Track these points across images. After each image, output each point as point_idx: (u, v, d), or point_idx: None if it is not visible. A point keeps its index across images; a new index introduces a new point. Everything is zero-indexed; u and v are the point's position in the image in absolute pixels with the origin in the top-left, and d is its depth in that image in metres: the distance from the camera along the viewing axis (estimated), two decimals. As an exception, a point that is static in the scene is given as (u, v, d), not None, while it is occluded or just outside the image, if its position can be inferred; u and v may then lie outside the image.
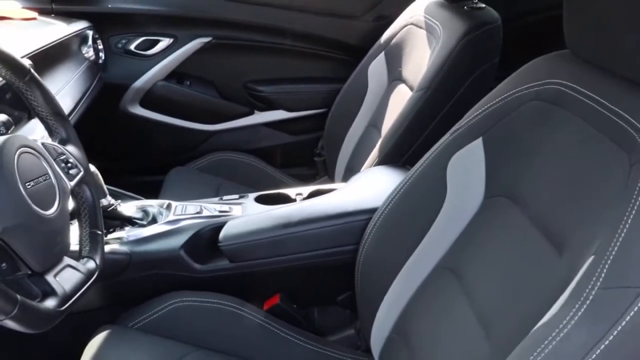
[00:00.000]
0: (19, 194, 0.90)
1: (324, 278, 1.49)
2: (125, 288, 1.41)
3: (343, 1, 2.30)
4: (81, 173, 1.14)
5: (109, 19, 2.19)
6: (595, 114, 0.88)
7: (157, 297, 1.36)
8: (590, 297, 0.72)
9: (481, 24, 1.61)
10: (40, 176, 0.99)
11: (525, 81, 1.06)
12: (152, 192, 1.91)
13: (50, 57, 1.76)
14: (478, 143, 1.13)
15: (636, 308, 0.68)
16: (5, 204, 0.88)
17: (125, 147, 2.35)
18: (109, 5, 2.19)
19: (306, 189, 1.62)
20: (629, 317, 0.69)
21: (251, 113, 2.40)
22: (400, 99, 1.76)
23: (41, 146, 1.06)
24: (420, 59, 1.73)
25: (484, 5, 1.70)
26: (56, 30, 1.90)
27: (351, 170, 1.94)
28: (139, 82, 2.25)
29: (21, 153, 0.95)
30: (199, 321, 1.33)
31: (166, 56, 2.25)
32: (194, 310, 1.34)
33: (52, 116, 1.15)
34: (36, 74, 1.12)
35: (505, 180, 1.07)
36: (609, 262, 0.73)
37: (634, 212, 0.73)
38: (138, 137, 2.34)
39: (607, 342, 0.69)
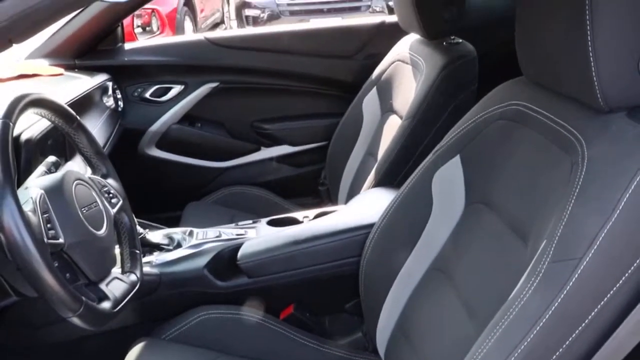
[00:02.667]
0: (78, 217, 1.11)
1: (332, 288, 1.66)
2: (157, 305, 1.60)
3: (336, 43, 2.52)
4: (121, 202, 1.34)
5: (126, 71, 2.42)
6: (546, 127, 1.07)
7: (185, 311, 1.54)
8: (542, 271, 0.91)
9: (458, 57, 1.82)
10: (92, 203, 1.19)
11: (492, 104, 1.26)
12: (171, 225, 2.09)
13: (77, 108, 1.96)
14: (456, 160, 1.32)
15: (577, 275, 0.87)
16: (70, 224, 1.08)
17: (144, 186, 2.53)
18: (125, 59, 2.41)
19: (312, 212, 1.82)
20: (571, 283, 0.87)
21: (258, 149, 2.60)
22: (392, 128, 1.95)
23: (89, 179, 1.27)
24: (408, 91, 1.94)
25: (460, 40, 1.91)
26: (81, 83, 2.12)
27: (352, 196, 2.10)
28: (154, 127, 2.46)
29: (77, 184, 1.16)
30: (224, 331, 1.51)
31: (178, 102, 2.47)
32: (219, 321, 1.53)
33: (95, 155, 1.36)
34: (81, 121, 1.33)
35: (481, 189, 1.25)
36: (555, 241, 0.91)
37: (573, 200, 0.92)
38: (156, 176, 2.54)
39: (557, 304, 0.88)
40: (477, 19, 2.24)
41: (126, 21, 2.54)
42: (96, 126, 2.08)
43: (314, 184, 2.56)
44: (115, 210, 1.31)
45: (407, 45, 2.07)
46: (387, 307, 1.41)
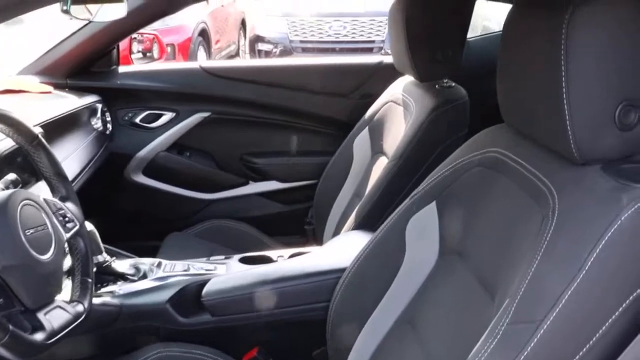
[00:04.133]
0: (19, 239, 1.05)
1: (300, 333, 1.58)
2: (116, 338, 1.52)
3: (332, 81, 2.48)
4: (77, 227, 1.28)
5: (117, 94, 2.38)
6: (520, 176, 1.02)
7: (143, 347, 1.46)
8: (501, 332, 0.84)
9: (449, 100, 1.77)
10: (39, 225, 1.13)
11: (471, 150, 1.20)
12: (148, 255, 2.03)
13: (61, 126, 1.93)
14: (432, 206, 1.25)
15: (535, 339, 0.80)
16: (6, 245, 1.02)
17: (126, 212, 2.49)
18: (118, 82, 2.38)
19: (287, 251, 1.74)
20: (530, 347, 0.80)
21: (246, 183, 2.55)
22: (381, 170, 1.90)
23: (42, 201, 1.21)
24: (398, 133, 1.88)
25: (453, 84, 1.86)
26: (68, 102, 2.09)
27: (337, 238, 2.05)
28: (142, 152, 2.42)
29: (24, 205, 1.10)
30: None
31: (168, 129, 2.43)
32: None
33: (55, 176, 1.30)
34: (43, 140, 1.28)
35: (456, 239, 1.19)
36: (516, 301, 0.84)
37: (539, 257, 0.85)
38: (139, 203, 2.49)
39: None
40: (475, 63, 2.19)
41: (124, 44, 2.53)
42: (80, 147, 2.04)
43: (300, 222, 2.49)
44: (69, 235, 1.25)
45: (401, 86, 2.03)
46: (352, 358, 1.33)
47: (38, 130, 1.29)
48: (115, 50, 2.38)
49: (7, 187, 1.27)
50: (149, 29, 6.59)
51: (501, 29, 1.10)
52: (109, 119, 2.34)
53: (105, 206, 2.41)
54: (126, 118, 2.42)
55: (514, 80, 1.03)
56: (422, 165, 1.73)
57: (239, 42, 9.02)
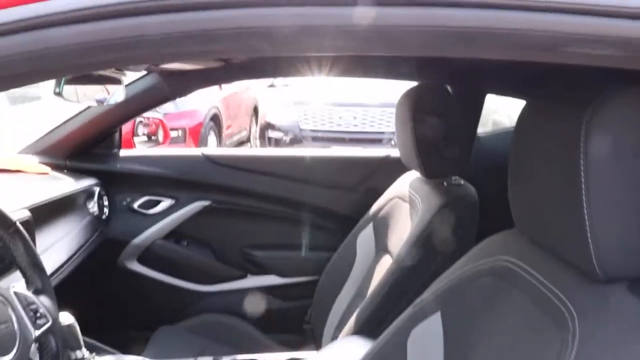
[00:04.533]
0: None
1: None
2: None
3: (338, 173, 2.41)
4: (49, 323, 1.17)
5: (117, 178, 2.33)
6: (535, 291, 0.91)
7: None
8: None
9: (457, 199, 1.69)
10: (3, 323, 1.02)
11: (480, 257, 1.10)
12: (137, 348, 1.92)
13: (55, 209, 1.87)
14: (437, 317, 1.15)
15: None
16: None
17: (117, 301, 2.38)
18: (118, 166, 2.33)
19: (283, 356, 1.62)
20: None
21: (245, 276, 2.44)
22: (384, 270, 1.80)
23: (12, 294, 1.11)
24: (403, 231, 1.79)
25: (462, 182, 1.78)
26: (64, 185, 2.03)
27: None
28: (138, 239, 2.33)
29: None
30: None
31: (166, 216, 2.35)
32: None
33: (30, 267, 1.20)
34: (21, 227, 1.20)
35: (462, 356, 1.07)
36: None
37: None
38: (132, 291, 2.38)
39: None
40: (485, 160, 2.12)
41: (128, 128, 2.49)
42: (72, 231, 1.97)
43: (299, 321, 2.35)
44: (39, 332, 1.14)
45: (408, 182, 1.95)
46: None
47: (16, 217, 1.21)
48: (117, 134, 2.34)
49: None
50: (158, 112, 6.71)
51: (513, 124, 1.03)
52: (106, 203, 2.27)
53: (96, 293, 2.30)
54: (124, 203, 2.35)
55: (527, 183, 0.95)
56: (427, 269, 1.63)
57: (250, 128, 9.12)
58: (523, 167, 0.96)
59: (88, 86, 1.40)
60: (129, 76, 1.99)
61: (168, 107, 6.79)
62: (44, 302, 1.20)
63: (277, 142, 6.83)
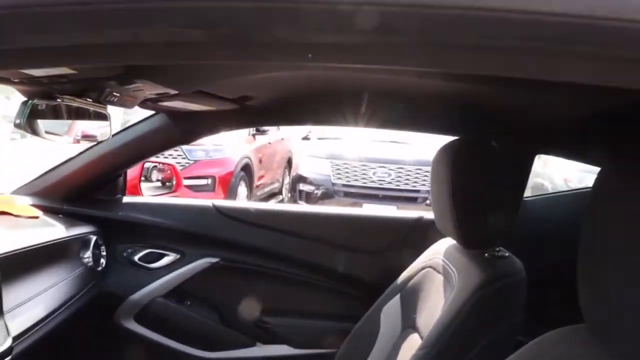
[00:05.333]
0: None
1: None
2: None
3: (364, 236, 2.16)
4: None
5: (118, 227, 2.12)
6: None
7: None
8: None
9: (500, 276, 1.41)
10: None
11: None
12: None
13: (39, 257, 1.68)
14: None
15: None
16: None
17: None
18: (120, 213, 2.11)
19: None
20: None
21: (253, 344, 2.17)
22: (411, 352, 1.52)
23: None
24: (434, 309, 1.52)
25: (507, 254, 1.50)
26: (53, 231, 1.83)
27: None
28: (136, 296, 2.10)
29: None
30: None
31: (170, 272, 2.12)
32: None
33: None
34: None
35: None
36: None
37: None
38: (126, 354, 2.14)
39: None
40: (533, 229, 1.85)
41: (135, 172, 2.28)
42: (61, 281, 1.77)
43: (310, 401, 2.08)
44: None
45: (442, 250, 1.68)
46: None
47: None
48: (121, 178, 2.14)
49: None
50: (189, 159, 6.59)
51: (555, 189, 0.77)
52: (103, 253, 2.05)
53: (86, 352, 2.05)
54: (124, 254, 2.12)
55: (605, 267, 0.71)
56: (461, 358, 1.34)
57: (283, 180, 8.95)
58: (601, 247, 0.72)
59: (59, 120, 1.19)
60: (131, 115, 1.78)
61: (199, 154, 6.69)
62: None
63: (308, 196, 6.63)
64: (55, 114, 1.19)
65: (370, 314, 1.88)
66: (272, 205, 3.00)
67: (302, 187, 6.75)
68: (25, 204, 1.94)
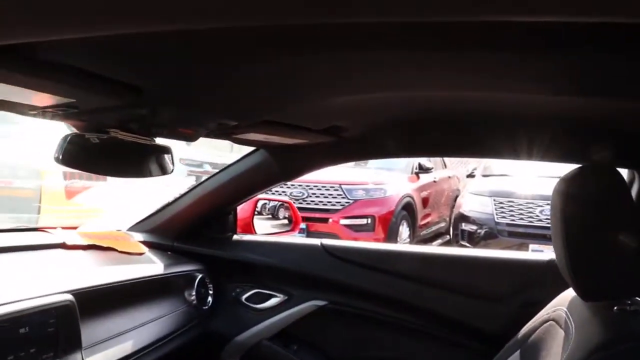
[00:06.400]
0: None
1: None
2: None
3: (486, 279, 1.89)
4: None
5: (226, 265, 2.05)
6: None
7: None
8: None
9: (627, 337, 1.12)
10: None
11: None
12: None
13: (135, 293, 1.69)
14: None
15: None
16: None
17: None
18: (229, 252, 2.06)
19: None
20: None
21: None
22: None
23: None
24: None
25: None
26: (155, 267, 1.84)
27: None
28: (243, 337, 2.01)
29: None
30: None
31: (277, 313, 2.00)
32: None
33: None
34: None
35: None
36: None
37: None
38: None
39: None
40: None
41: (248, 210, 2.23)
42: (158, 317, 1.74)
43: None
44: None
45: (568, 299, 1.40)
46: None
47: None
48: (231, 215, 2.08)
49: None
50: (348, 199, 6.55)
51: None
52: (210, 291, 2.00)
53: None
54: (233, 294, 2.05)
55: None
56: None
57: (450, 220, 8.64)
58: None
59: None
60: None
61: (359, 193, 6.65)
62: None
63: (471, 236, 6.28)
64: (111, 149, 1.14)
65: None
66: (382, 245, 2.77)
67: (464, 226, 6.41)
68: (135, 241, 1.96)
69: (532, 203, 5.96)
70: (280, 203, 2.55)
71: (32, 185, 6.12)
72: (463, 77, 1.06)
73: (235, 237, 2.11)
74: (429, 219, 8.06)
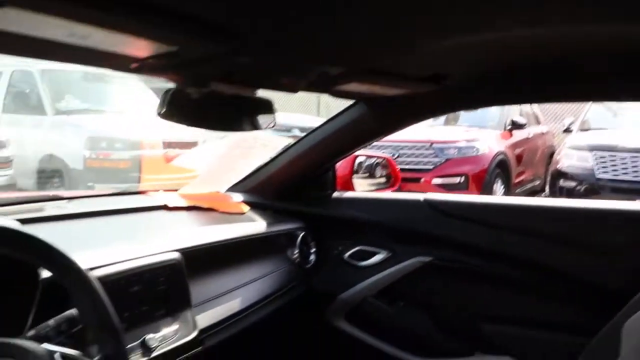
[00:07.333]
0: None
1: None
2: None
3: (605, 232, 1.75)
4: None
5: (327, 223, 2.03)
6: None
7: None
8: None
9: None
10: None
11: None
12: None
13: (239, 251, 1.71)
14: None
15: None
16: None
17: None
18: (330, 210, 2.03)
19: None
20: None
21: (471, 354, 1.90)
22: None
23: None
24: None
25: None
26: (257, 226, 1.84)
27: None
28: (347, 294, 1.98)
29: None
30: None
31: (380, 271, 1.96)
32: None
33: (98, 327, 0.92)
34: (87, 274, 0.92)
35: None
36: None
37: None
38: (336, 353, 2.04)
39: None
40: None
41: (346, 167, 2.18)
42: (262, 276, 1.77)
43: None
44: None
45: None
46: None
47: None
48: (330, 173, 2.05)
49: (43, 338, 0.92)
50: (439, 157, 6.43)
51: None
52: (312, 250, 1.98)
53: (292, 348, 2.01)
54: (335, 252, 2.02)
55: None
56: None
57: (545, 177, 8.36)
58: None
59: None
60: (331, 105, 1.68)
61: (451, 152, 6.51)
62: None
63: (570, 193, 6.02)
64: (212, 103, 1.11)
65: (609, 328, 1.52)
66: (487, 197, 2.63)
67: (562, 183, 6.15)
68: (235, 201, 1.97)
69: (638, 156, 5.64)
70: (377, 161, 2.49)
71: (128, 156, 6.37)
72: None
73: (335, 194, 2.07)
74: (523, 177, 7.82)
